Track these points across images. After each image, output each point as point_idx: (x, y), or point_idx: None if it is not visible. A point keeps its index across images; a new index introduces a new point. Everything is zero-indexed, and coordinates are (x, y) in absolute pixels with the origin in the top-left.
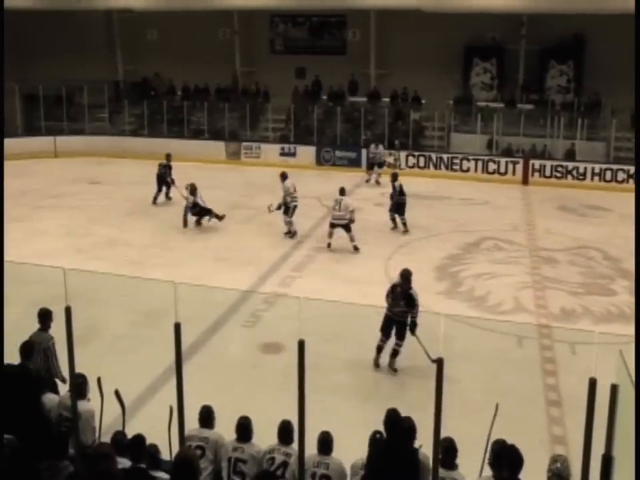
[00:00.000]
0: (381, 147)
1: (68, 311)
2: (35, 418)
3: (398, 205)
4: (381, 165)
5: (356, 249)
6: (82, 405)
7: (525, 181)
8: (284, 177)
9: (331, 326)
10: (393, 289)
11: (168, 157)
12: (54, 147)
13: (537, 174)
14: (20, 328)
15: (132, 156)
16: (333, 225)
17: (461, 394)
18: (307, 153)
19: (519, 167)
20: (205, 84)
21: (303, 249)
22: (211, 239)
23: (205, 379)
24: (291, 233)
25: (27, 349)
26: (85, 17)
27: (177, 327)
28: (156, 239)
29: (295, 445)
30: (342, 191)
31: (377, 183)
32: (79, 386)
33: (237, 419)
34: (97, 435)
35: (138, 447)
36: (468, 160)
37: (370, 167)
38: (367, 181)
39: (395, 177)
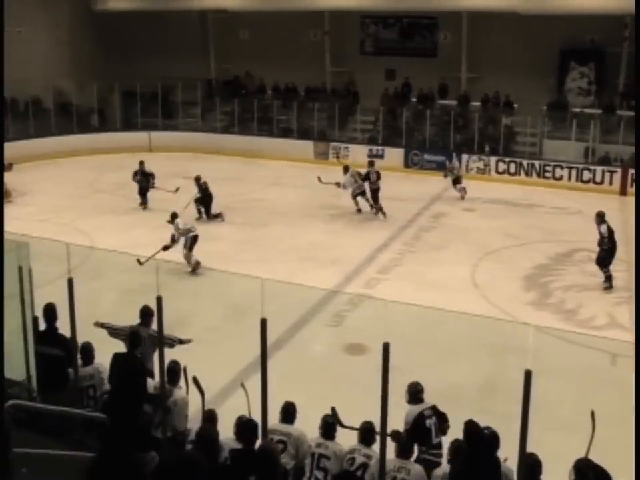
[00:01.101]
0: (456, 161)
1: (159, 300)
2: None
3: (373, 190)
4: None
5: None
6: (177, 393)
7: (623, 192)
8: (345, 169)
9: (415, 330)
10: None
11: (141, 163)
12: (149, 141)
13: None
14: (115, 315)
15: (223, 152)
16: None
17: (547, 409)
18: (395, 155)
19: (617, 177)
20: (294, 83)
21: (389, 251)
22: (298, 237)
23: (287, 375)
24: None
25: (134, 338)
26: (181, 18)
27: (263, 323)
28: (244, 235)
29: (376, 447)
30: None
31: (462, 198)
32: (175, 373)
33: (317, 416)
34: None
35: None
36: (561, 168)
37: (453, 183)
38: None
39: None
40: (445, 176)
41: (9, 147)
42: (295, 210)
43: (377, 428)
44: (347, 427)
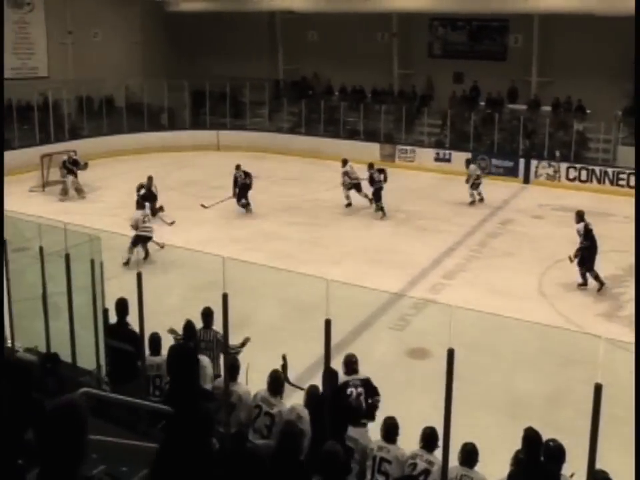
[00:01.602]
0: (472, 166)
1: (225, 298)
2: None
3: (376, 189)
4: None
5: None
6: (240, 387)
7: None
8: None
9: (480, 337)
10: None
11: (150, 179)
12: (217, 140)
13: None
14: (180, 310)
15: (289, 152)
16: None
17: (620, 426)
18: (462, 159)
19: None
20: (361, 85)
21: (455, 256)
22: (363, 239)
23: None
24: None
25: (189, 330)
26: (250, 19)
27: (327, 323)
28: (308, 235)
29: (438, 454)
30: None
31: (481, 200)
32: (236, 369)
33: (378, 420)
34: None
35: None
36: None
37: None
38: (471, 203)
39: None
40: (467, 181)
41: (83, 144)
42: (360, 212)
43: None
44: (292, 385)
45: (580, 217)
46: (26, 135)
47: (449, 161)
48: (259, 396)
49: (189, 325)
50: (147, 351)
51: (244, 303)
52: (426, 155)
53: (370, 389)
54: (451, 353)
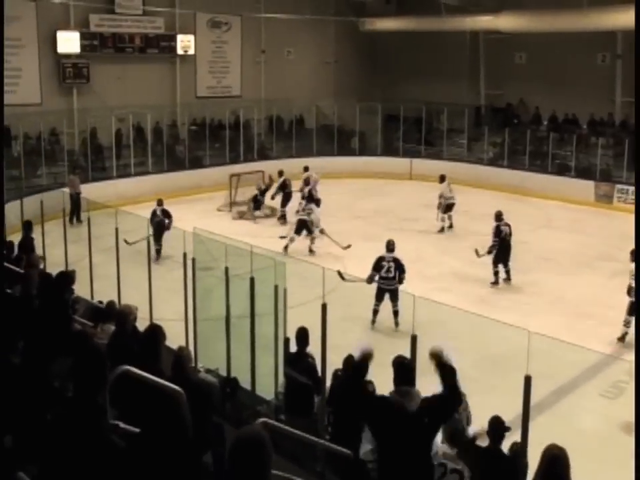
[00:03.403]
0: (444, 184)
1: (414, 340)
2: None
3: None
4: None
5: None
6: None
7: None
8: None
9: None
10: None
11: (160, 202)
12: (409, 169)
13: None
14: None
15: (487, 186)
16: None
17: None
18: None
19: None
20: (574, 114)
21: None
22: (569, 289)
23: (547, 443)
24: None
25: (301, 334)
26: (450, 39)
27: (527, 380)
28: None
29: None
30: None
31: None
32: None
33: None
34: None
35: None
36: None
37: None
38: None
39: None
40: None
41: (271, 165)
42: (567, 258)
43: None
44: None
45: (496, 217)
46: (216, 153)
47: None
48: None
49: (302, 330)
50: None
51: (432, 345)
52: None
53: (399, 266)
54: None
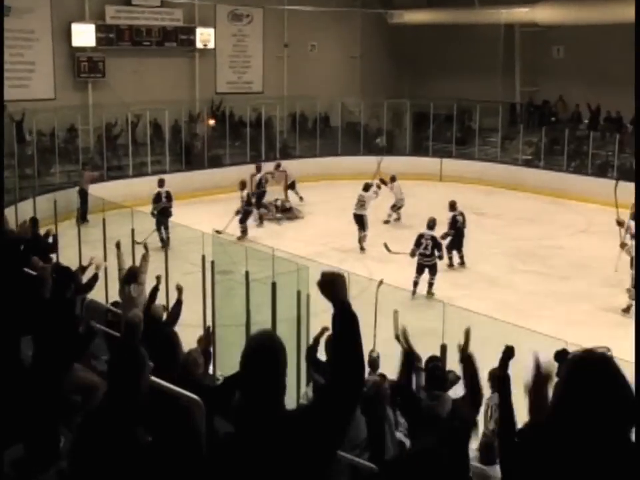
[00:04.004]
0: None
1: (443, 349)
2: None
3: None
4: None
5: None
6: None
7: None
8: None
9: None
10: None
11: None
12: (439, 169)
13: None
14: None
15: (522, 188)
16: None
17: None
18: None
19: None
20: (619, 112)
21: None
22: (609, 300)
23: None
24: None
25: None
26: (483, 32)
27: None
28: (542, 287)
29: None
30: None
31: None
32: None
33: None
34: None
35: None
36: None
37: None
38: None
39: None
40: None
41: (294, 164)
42: (607, 266)
43: None
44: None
45: (451, 206)
46: (237, 152)
47: None
48: None
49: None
50: None
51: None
52: None
53: (436, 244)
54: None
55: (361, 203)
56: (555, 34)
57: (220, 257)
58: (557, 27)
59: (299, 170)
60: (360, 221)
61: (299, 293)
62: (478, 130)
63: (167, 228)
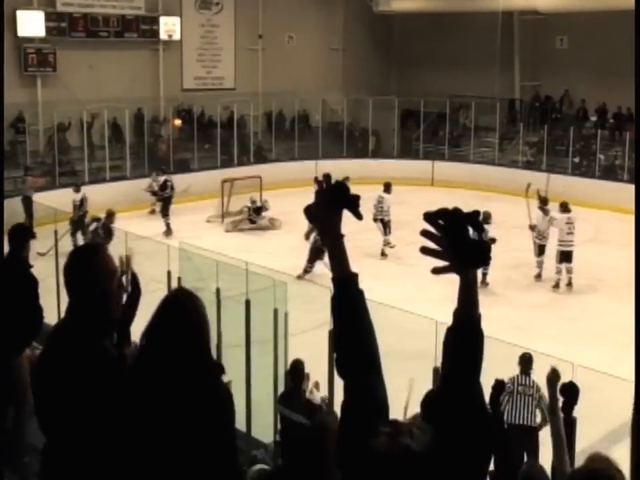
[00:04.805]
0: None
1: (437, 372)
2: None
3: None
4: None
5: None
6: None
7: None
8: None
9: None
10: None
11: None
12: (431, 173)
13: None
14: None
15: (524, 193)
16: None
17: None
18: None
19: None
20: (629, 109)
21: None
22: (623, 315)
23: None
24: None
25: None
26: (478, 22)
27: (571, 423)
28: (548, 302)
29: None
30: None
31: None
32: None
33: None
34: None
35: None
36: None
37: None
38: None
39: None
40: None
41: (270, 169)
42: (620, 277)
43: None
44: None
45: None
46: (206, 155)
47: None
48: None
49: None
50: None
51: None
52: None
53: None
54: None
55: (380, 207)
56: (558, 22)
57: (188, 272)
58: (560, 15)
59: (276, 175)
60: (382, 224)
61: (275, 312)
62: (473, 129)
63: (84, 234)
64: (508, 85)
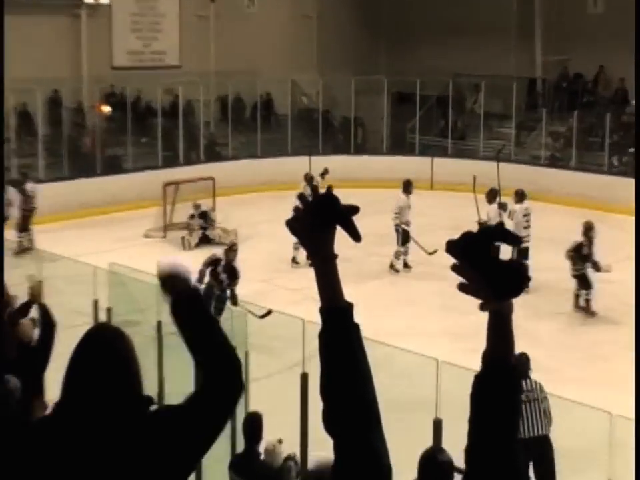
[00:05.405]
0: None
1: (437, 425)
2: None
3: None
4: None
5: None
6: None
7: None
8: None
9: None
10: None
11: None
12: (430, 173)
13: None
14: None
15: (548, 197)
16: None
17: None
18: None
19: None
20: None
21: None
22: None
23: None
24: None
25: (251, 424)
26: None
27: None
28: (574, 338)
29: None
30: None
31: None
32: None
33: None
34: None
35: None
36: None
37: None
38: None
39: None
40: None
41: (226, 169)
42: None
43: None
44: None
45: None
46: (144, 151)
47: None
48: None
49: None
50: None
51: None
52: None
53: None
54: None
55: (396, 211)
56: None
57: (121, 301)
58: None
59: (233, 177)
60: (397, 232)
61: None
62: (483, 117)
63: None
64: (527, 61)
